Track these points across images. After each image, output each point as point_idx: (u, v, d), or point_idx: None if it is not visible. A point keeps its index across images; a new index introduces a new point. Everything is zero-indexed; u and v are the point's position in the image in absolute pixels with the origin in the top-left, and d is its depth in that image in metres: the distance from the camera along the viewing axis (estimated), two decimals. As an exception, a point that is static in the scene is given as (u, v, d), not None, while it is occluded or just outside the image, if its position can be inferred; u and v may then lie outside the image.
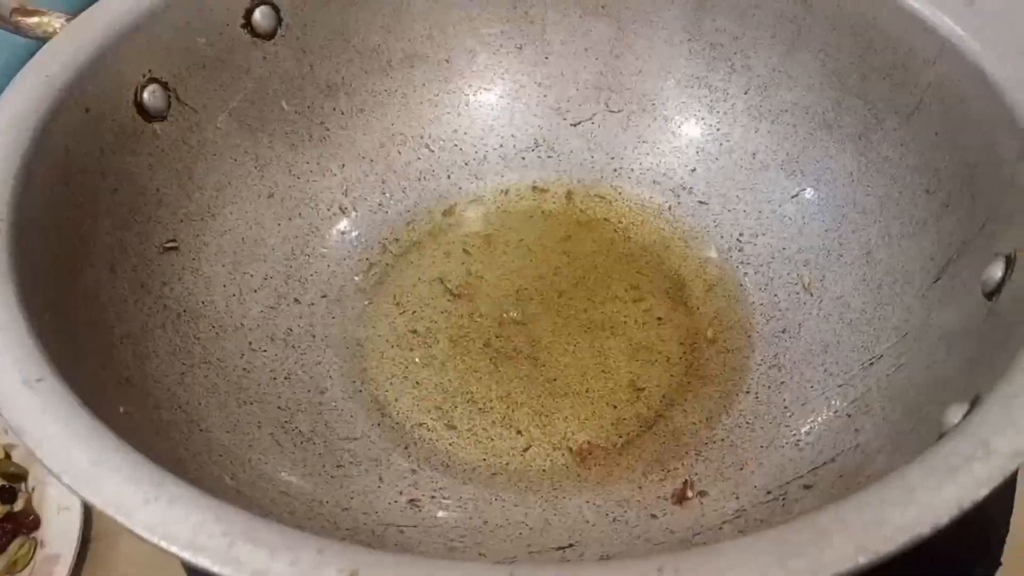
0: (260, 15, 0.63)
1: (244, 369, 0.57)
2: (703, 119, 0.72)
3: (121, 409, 0.46)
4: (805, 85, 0.67)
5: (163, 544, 0.32)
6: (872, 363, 0.55)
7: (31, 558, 0.59)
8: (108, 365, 0.48)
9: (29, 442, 0.35)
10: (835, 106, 0.65)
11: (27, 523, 0.61)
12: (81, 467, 0.34)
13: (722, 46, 0.70)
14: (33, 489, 0.62)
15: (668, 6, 0.70)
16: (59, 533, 0.60)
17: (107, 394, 0.45)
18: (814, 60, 0.66)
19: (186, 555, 0.31)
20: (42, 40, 0.55)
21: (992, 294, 0.47)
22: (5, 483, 0.62)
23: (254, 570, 0.31)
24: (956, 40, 0.56)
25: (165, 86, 0.59)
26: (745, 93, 0.70)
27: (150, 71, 0.58)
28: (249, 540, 0.31)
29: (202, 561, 0.31)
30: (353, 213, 0.68)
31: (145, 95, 0.58)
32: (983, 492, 0.33)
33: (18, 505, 0.61)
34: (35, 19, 0.57)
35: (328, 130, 0.67)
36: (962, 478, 0.33)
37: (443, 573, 0.31)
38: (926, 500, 0.33)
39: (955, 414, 0.42)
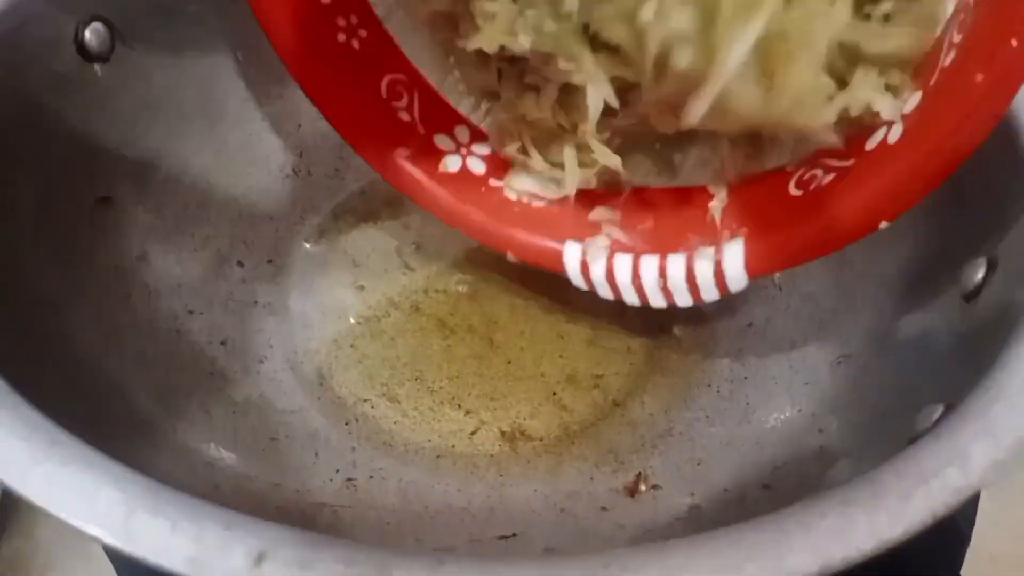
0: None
1: (177, 332, 0.53)
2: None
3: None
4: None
5: (52, 510, 0.28)
6: (840, 362, 0.52)
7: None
8: (22, 322, 0.44)
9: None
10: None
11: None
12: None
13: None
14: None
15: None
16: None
17: (19, 353, 0.41)
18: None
19: (75, 523, 0.28)
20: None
21: (971, 296, 0.45)
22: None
23: (151, 546, 0.27)
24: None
25: (109, 25, 0.55)
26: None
27: (94, 7, 0.54)
28: (149, 511, 0.28)
29: (93, 531, 0.28)
30: (307, 176, 0.65)
31: (87, 33, 0.54)
32: (957, 501, 0.31)
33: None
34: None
35: (285, 87, 0.63)
36: (935, 485, 0.31)
37: (363, 560, 0.28)
38: (896, 507, 0.30)
39: (927, 418, 0.40)
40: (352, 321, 0.58)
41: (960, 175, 0.43)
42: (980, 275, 0.45)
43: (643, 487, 0.48)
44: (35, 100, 0.50)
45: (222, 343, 0.54)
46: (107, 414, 0.45)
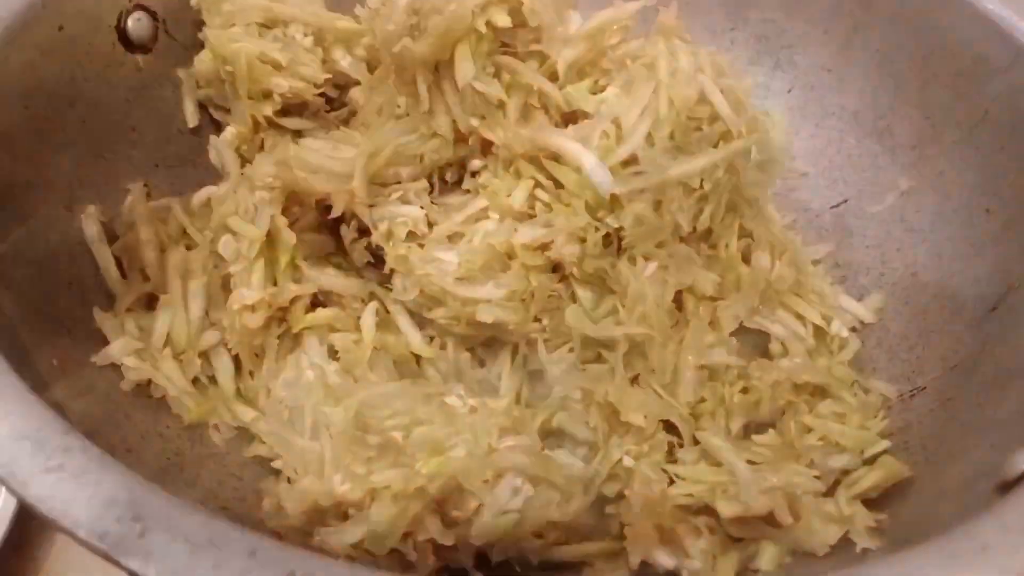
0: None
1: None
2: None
3: (54, 362, 0.40)
4: (857, 88, 0.61)
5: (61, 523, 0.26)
6: (913, 395, 0.48)
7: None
8: (47, 310, 0.42)
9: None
10: (888, 113, 0.59)
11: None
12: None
13: (767, 39, 0.65)
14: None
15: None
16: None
17: (39, 342, 0.39)
18: (869, 61, 0.60)
19: (91, 540, 0.25)
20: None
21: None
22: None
23: (168, 568, 0.25)
24: (1034, 49, 0.51)
25: (153, 16, 0.53)
26: (788, 92, 0.64)
27: (138, -5, 0.52)
28: (167, 530, 0.25)
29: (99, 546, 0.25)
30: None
31: (130, 22, 0.52)
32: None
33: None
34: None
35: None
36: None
37: None
38: (1002, 561, 0.27)
39: (1021, 462, 0.36)
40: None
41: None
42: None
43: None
44: (77, 84, 0.48)
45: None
46: (121, 409, 0.43)
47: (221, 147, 0.54)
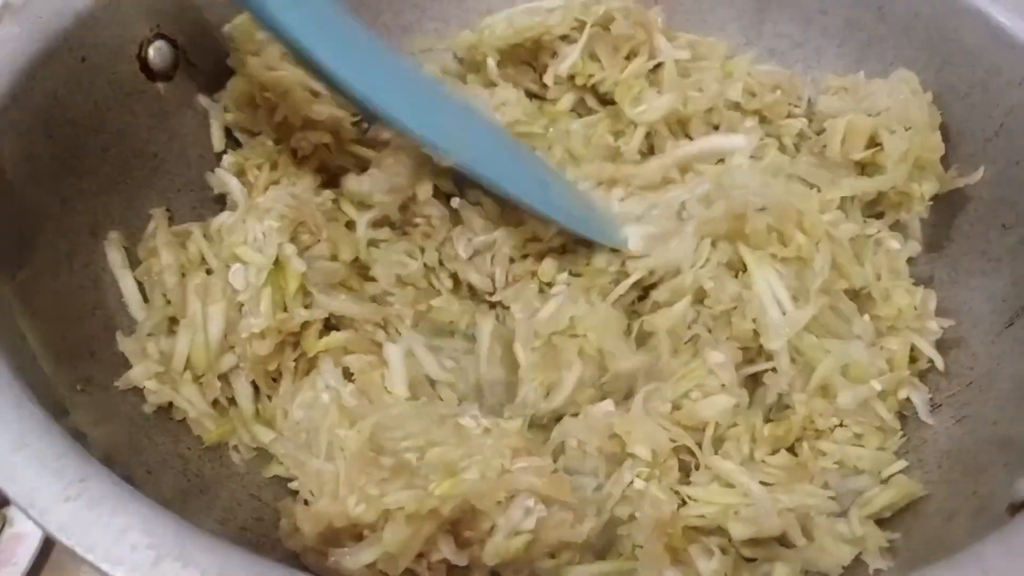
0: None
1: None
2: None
3: (78, 387, 0.41)
4: (872, 101, 0.61)
5: (79, 551, 0.27)
6: (930, 411, 0.48)
7: (-2, 535, 0.55)
8: (71, 336, 0.43)
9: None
10: (904, 126, 0.59)
11: (-4, 499, 0.56)
12: (-2, 451, 0.29)
13: (783, 53, 0.65)
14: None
15: (727, 4, 0.64)
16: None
17: (62, 368, 0.40)
18: (884, 74, 0.60)
19: (102, 567, 0.26)
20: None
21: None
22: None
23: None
24: (1049, 60, 0.51)
25: (174, 44, 0.54)
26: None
27: (158, 26, 0.53)
28: (178, 559, 0.26)
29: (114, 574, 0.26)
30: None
31: (151, 52, 0.53)
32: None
33: (-12, 481, 0.56)
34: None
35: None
36: (1051, 565, 0.27)
37: None
38: (1006, 587, 0.27)
39: (1031, 485, 0.36)
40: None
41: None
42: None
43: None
44: (100, 113, 0.50)
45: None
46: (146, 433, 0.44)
47: (225, 177, 0.55)
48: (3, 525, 0.55)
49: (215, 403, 0.47)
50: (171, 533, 0.27)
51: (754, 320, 0.48)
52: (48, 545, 0.55)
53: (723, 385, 0.46)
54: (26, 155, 0.44)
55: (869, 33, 0.60)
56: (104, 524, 0.27)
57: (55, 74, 0.46)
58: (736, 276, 0.50)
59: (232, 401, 0.48)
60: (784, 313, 0.48)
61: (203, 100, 0.57)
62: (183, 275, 0.50)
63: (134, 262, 0.50)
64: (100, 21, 0.49)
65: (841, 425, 0.47)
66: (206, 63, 0.56)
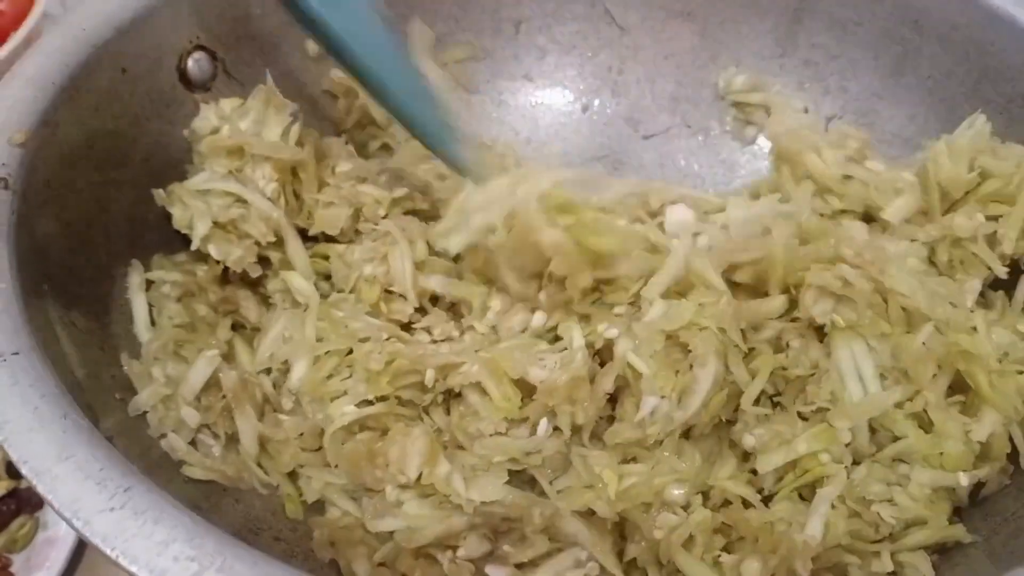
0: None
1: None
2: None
3: (117, 396, 0.42)
4: (908, 115, 0.61)
5: (122, 562, 0.27)
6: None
7: (31, 538, 0.55)
8: (110, 346, 0.44)
9: (-7, 422, 0.31)
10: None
11: (31, 502, 0.57)
12: (42, 458, 0.29)
13: (817, 64, 0.64)
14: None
15: (762, 16, 0.64)
16: (62, 516, 0.55)
17: (103, 378, 0.41)
18: (920, 87, 0.59)
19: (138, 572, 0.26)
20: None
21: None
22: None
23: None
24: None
25: (213, 56, 0.55)
26: (839, 117, 0.64)
27: (198, 38, 0.54)
28: (221, 570, 0.26)
29: (161, 587, 0.26)
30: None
31: (190, 63, 0.54)
32: None
33: (25, 482, 0.57)
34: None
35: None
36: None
37: None
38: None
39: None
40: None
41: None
42: None
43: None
44: (139, 124, 0.50)
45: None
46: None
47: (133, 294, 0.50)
48: (36, 529, 0.56)
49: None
50: (212, 544, 0.27)
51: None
52: (80, 549, 0.55)
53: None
54: (68, 164, 0.45)
55: (905, 46, 0.60)
56: (147, 535, 0.27)
57: (96, 86, 0.47)
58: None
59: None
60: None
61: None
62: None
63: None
64: (140, 33, 0.50)
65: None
66: (244, 74, 0.57)
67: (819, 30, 0.63)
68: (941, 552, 0.43)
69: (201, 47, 0.54)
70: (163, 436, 0.42)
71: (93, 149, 0.47)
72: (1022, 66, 0.54)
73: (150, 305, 0.49)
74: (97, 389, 0.39)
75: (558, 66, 0.69)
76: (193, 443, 0.43)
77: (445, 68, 0.66)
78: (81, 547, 0.55)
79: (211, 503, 0.40)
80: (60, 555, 0.54)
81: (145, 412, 0.42)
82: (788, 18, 0.64)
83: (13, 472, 0.57)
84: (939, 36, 0.58)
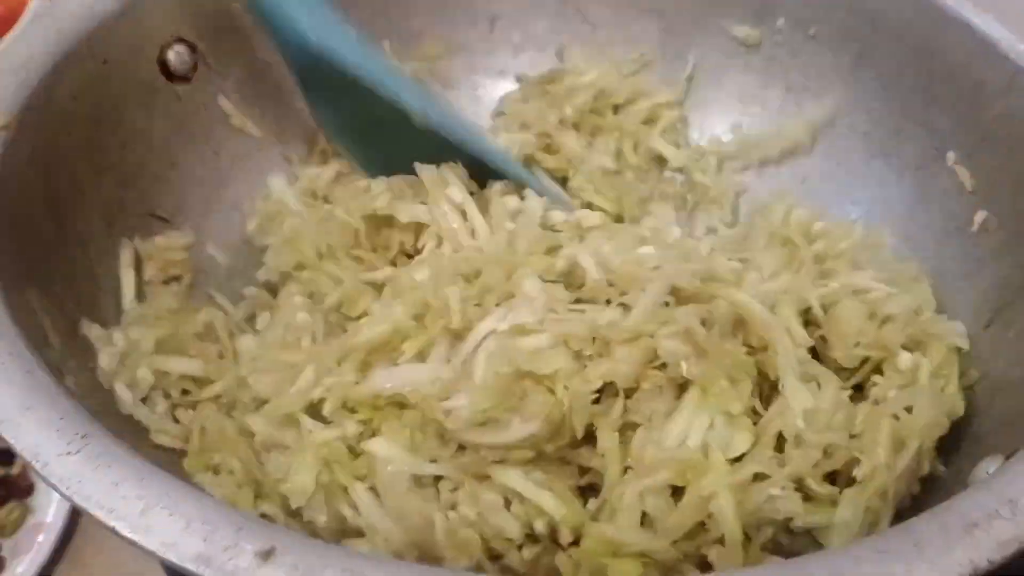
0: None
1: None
2: (754, 140, 0.68)
3: (91, 365, 0.44)
4: (865, 110, 0.63)
5: (76, 500, 0.29)
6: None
7: (20, 524, 0.57)
8: (89, 313, 0.46)
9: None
10: (895, 135, 0.61)
11: (21, 488, 0.58)
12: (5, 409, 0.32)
13: (781, 61, 0.66)
14: (31, 455, 0.60)
15: (727, 13, 0.66)
16: (50, 502, 0.57)
17: (78, 343, 0.43)
18: (876, 83, 0.61)
19: (96, 513, 0.29)
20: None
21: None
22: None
23: (163, 541, 0.28)
24: (1031, 70, 0.52)
25: (193, 48, 0.57)
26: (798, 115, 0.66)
27: (179, 30, 0.56)
28: (166, 508, 0.29)
29: (114, 524, 0.28)
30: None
31: (170, 55, 0.56)
32: (1003, 554, 0.28)
33: (15, 469, 0.59)
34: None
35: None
36: (980, 536, 0.29)
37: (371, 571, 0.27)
38: (934, 557, 0.28)
39: (986, 469, 0.38)
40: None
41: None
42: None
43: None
44: (119, 112, 0.53)
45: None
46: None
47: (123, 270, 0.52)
48: (25, 515, 0.57)
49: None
50: (159, 486, 0.29)
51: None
52: (67, 534, 0.57)
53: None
54: (49, 147, 0.47)
55: (862, 43, 0.62)
56: (100, 478, 0.30)
57: (77, 74, 0.50)
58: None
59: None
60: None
61: (222, 102, 0.60)
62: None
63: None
64: (122, 25, 0.53)
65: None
66: (223, 65, 0.59)
67: (782, 28, 0.65)
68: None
69: (181, 39, 0.57)
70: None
71: (73, 136, 0.49)
72: (970, 62, 0.56)
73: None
74: (68, 355, 0.41)
75: (533, 63, 0.71)
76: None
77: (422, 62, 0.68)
78: (68, 533, 0.57)
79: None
80: (48, 541, 0.56)
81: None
82: (752, 16, 0.66)
83: (3, 460, 0.59)
84: (892, 34, 0.60)
